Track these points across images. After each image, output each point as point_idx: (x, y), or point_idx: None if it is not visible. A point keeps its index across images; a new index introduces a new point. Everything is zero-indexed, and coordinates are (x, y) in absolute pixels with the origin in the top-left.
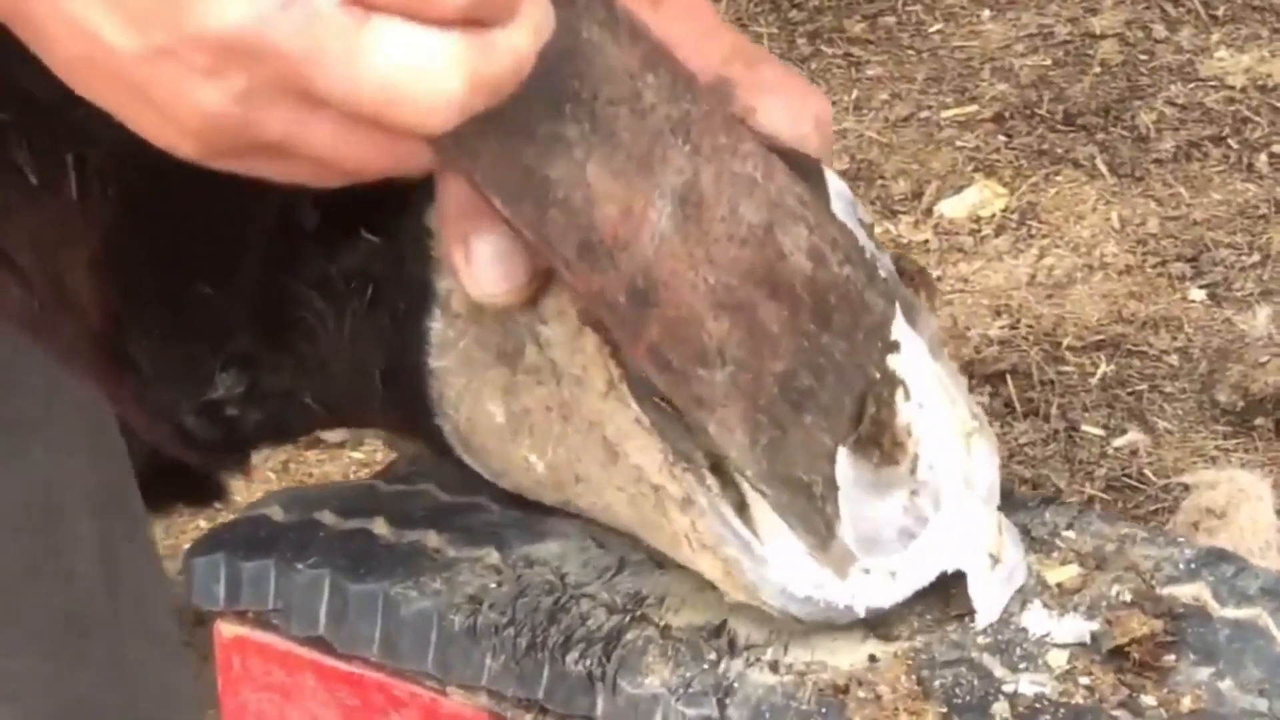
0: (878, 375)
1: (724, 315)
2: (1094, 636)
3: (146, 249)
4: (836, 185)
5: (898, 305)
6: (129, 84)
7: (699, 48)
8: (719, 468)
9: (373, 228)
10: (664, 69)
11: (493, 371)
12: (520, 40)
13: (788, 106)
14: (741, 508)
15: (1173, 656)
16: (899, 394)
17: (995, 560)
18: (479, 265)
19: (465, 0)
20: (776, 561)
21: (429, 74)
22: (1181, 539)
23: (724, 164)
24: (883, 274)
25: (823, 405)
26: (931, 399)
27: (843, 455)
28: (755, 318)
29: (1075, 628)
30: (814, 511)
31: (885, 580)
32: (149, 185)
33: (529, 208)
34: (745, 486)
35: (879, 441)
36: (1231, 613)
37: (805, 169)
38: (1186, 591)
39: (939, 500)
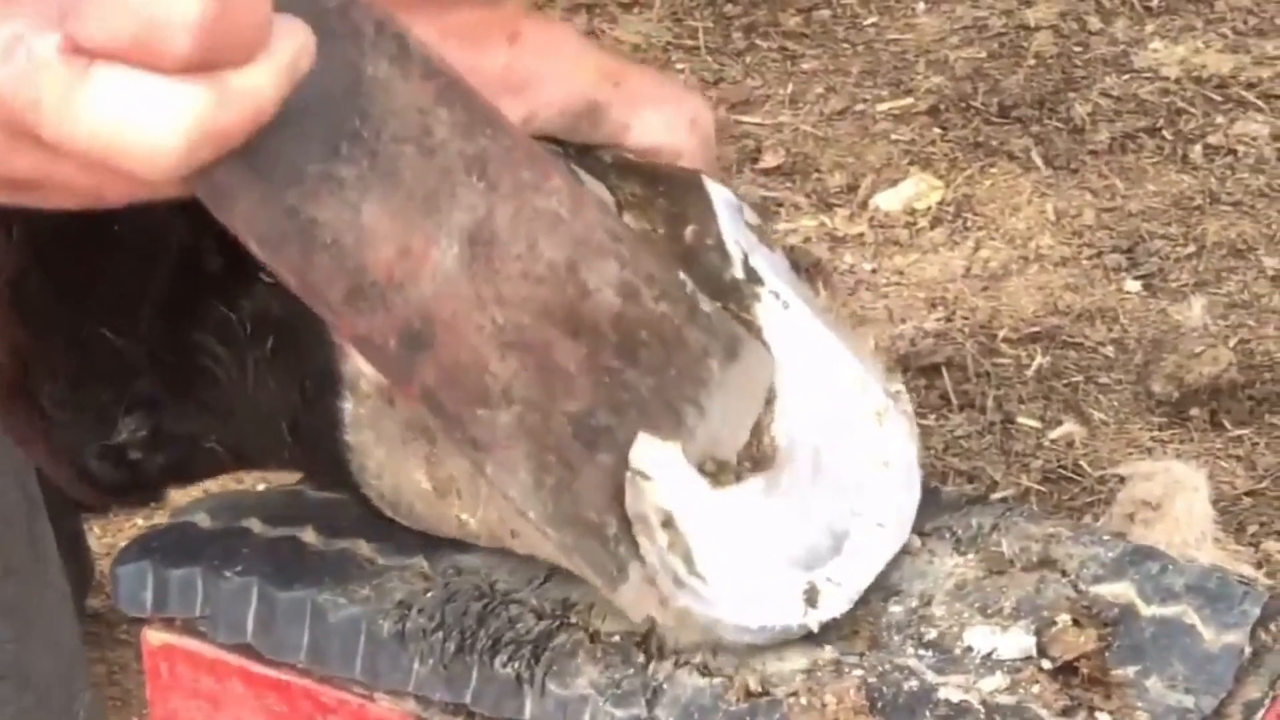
0: (691, 413)
1: (512, 355)
2: (1039, 650)
3: (51, 293)
4: (720, 193)
5: (796, 302)
6: None
7: (565, 77)
8: (669, 522)
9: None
10: (460, 105)
11: (412, 445)
12: (260, 81)
13: (660, 115)
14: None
15: (1122, 671)
16: (774, 406)
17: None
18: None
19: (188, 47)
20: (726, 601)
21: (143, 124)
22: (1108, 537)
23: (524, 200)
24: (705, 309)
25: (621, 443)
26: (831, 387)
27: (752, 485)
28: (548, 356)
29: (1020, 641)
30: (605, 553)
31: (831, 590)
32: (53, 229)
33: (293, 253)
34: (685, 530)
35: (757, 451)
36: (1157, 610)
37: (685, 183)
38: (1113, 590)
39: (857, 493)
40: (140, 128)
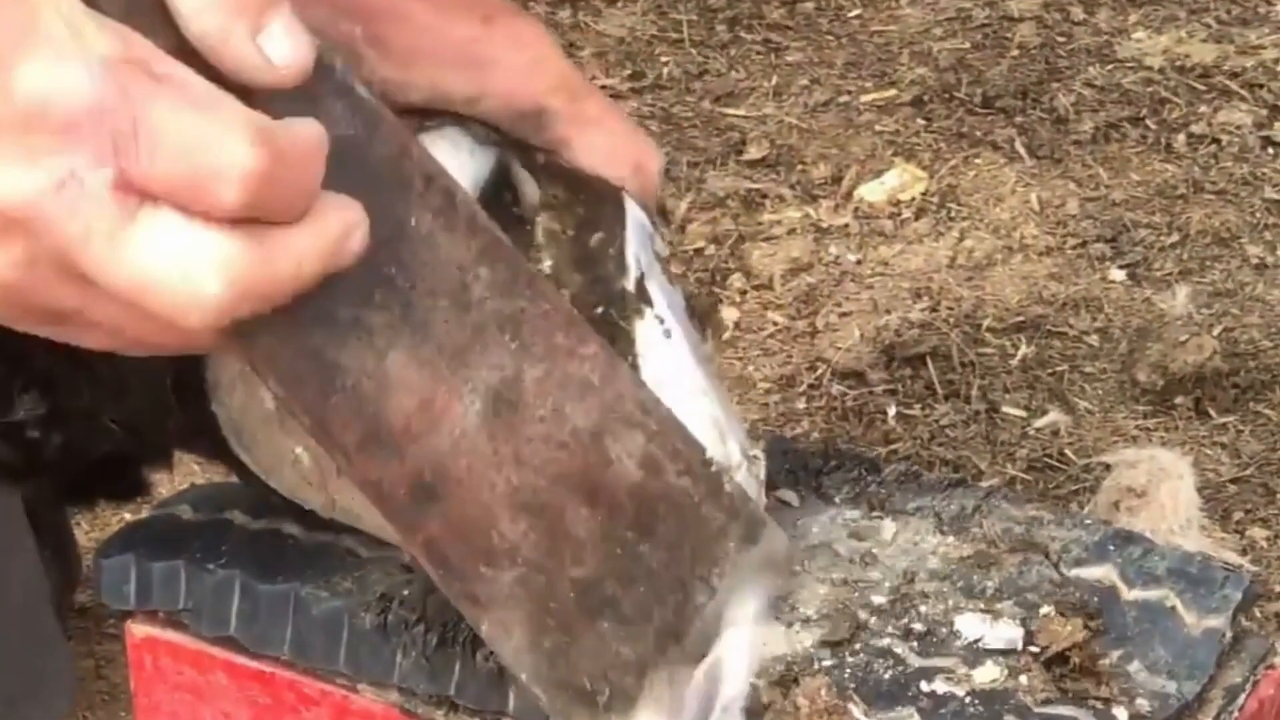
0: (701, 591)
1: (523, 517)
2: (1027, 640)
3: None
4: (636, 214)
5: (680, 339)
6: None
7: (524, 76)
8: None
9: None
10: (502, 264)
11: None
12: (304, 244)
13: (603, 145)
14: None
15: (1108, 660)
16: None
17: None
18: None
19: (238, 200)
20: None
21: (186, 273)
22: (1089, 520)
23: (556, 364)
24: (729, 489)
25: (625, 615)
26: (691, 426)
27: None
28: (560, 522)
29: (1008, 633)
30: (591, 718)
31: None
32: None
33: (310, 394)
34: None
35: None
36: (1139, 594)
37: (604, 195)
38: (1095, 573)
39: None
40: (182, 275)
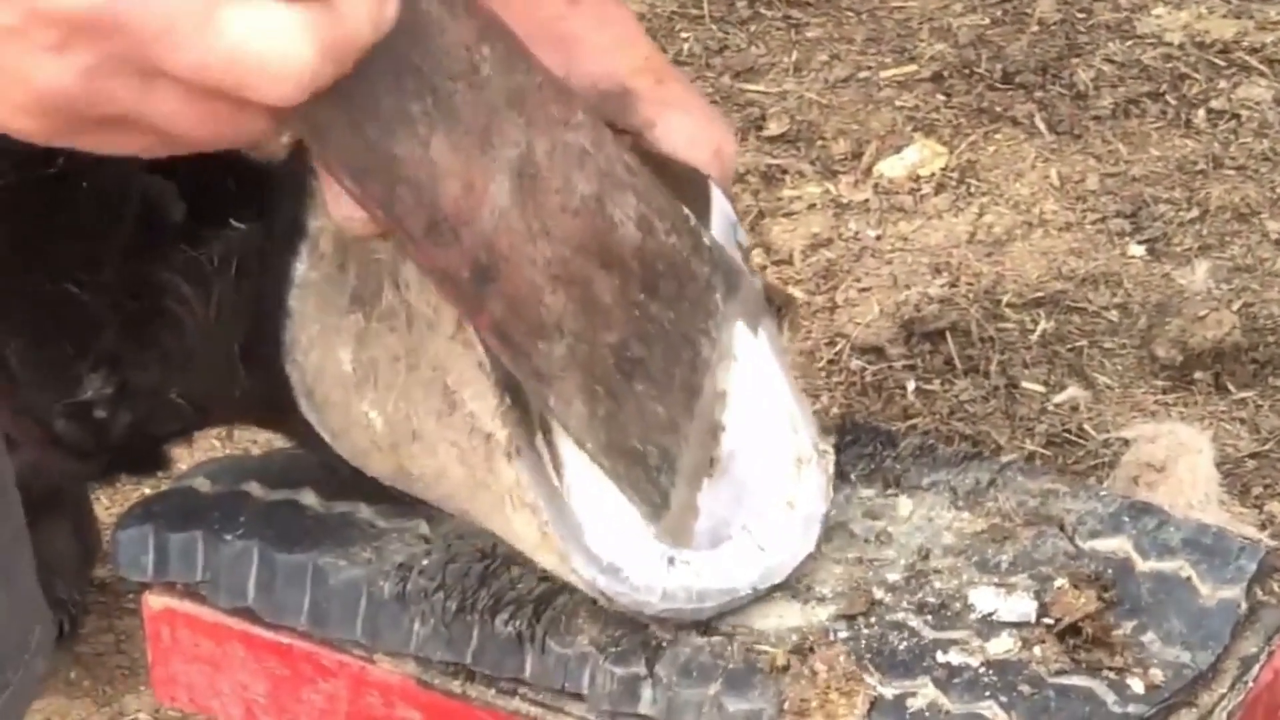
0: (704, 344)
1: (560, 288)
2: (1040, 612)
3: (11, 248)
4: (722, 204)
5: (762, 332)
6: None
7: (610, 54)
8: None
9: (241, 217)
10: (500, 41)
11: (349, 318)
12: (360, 6)
13: (686, 128)
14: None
15: (1122, 631)
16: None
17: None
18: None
19: None
20: (590, 530)
21: (279, 44)
22: (1104, 492)
23: (557, 135)
24: (707, 243)
25: (653, 374)
26: (767, 418)
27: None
28: (589, 289)
29: (1021, 606)
30: (649, 481)
31: (685, 573)
32: (12, 185)
33: (377, 186)
34: (568, 460)
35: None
36: (1154, 565)
37: (691, 181)
38: (1110, 545)
39: (753, 516)
40: (276, 46)
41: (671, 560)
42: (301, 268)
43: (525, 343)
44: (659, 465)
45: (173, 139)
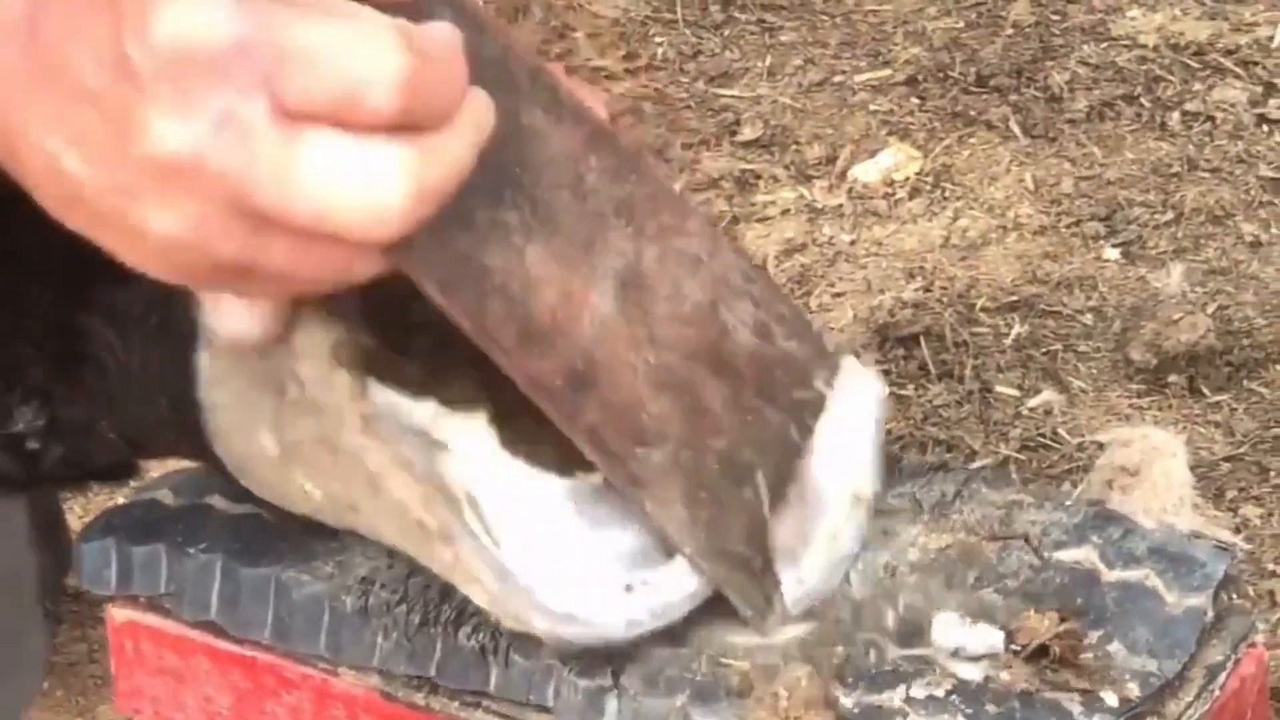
0: (806, 440)
1: (665, 394)
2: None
3: None
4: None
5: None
6: (97, 213)
7: None
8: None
9: None
10: (607, 150)
11: (262, 405)
12: (461, 143)
13: None
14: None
15: (1091, 646)
16: None
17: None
18: (227, 306)
19: (395, 105)
20: (540, 588)
21: (368, 185)
22: (1069, 502)
23: (668, 243)
24: (829, 347)
25: (760, 481)
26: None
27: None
28: (697, 396)
29: (988, 638)
30: (753, 586)
31: (651, 596)
32: None
33: (468, 296)
34: (504, 526)
35: None
36: (1119, 574)
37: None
38: (1075, 555)
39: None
40: (364, 187)
41: (629, 587)
42: (204, 362)
43: (622, 450)
44: (763, 569)
45: (293, 283)
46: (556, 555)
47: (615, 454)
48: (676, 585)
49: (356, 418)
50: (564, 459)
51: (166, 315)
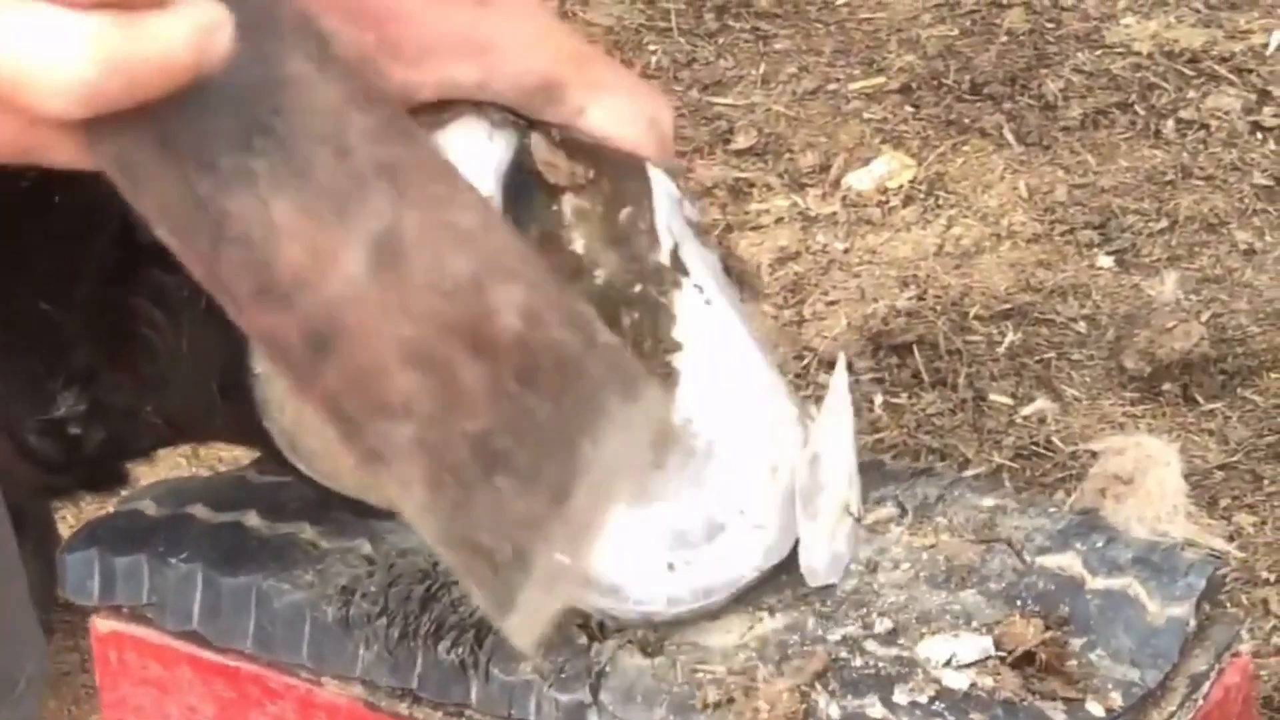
0: (585, 446)
1: (414, 369)
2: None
3: None
4: (663, 182)
5: (726, 303)
6: None
7: (529, 48)
8: None
9: None
10: (376, 111)
11: None
12: (172, 29)
13: (620, 106)
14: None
15: (1074, 653)
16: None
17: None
18: None
19: None
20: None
21: (53, 51)
22: (1053, 509)
23: (434, 213)
24: (606, 340)
25: (518, 469)
26: (737, 388)
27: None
28: (451, 374)
29: (980, 643)
30: (495, 579)
31: (689, 574)
32: None
33: (202, 241)
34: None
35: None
36: (1103, 582)
37: (628, 168)
38: (1059, 562)
39: (743, 493)
40: (49, 54)
41: (672, 566)
42: None
43: (363, 420)
44: (508, 562)
45: None
46: (610, 524)
47: (354, 423)
48: (720, 567)
49: None
50: None
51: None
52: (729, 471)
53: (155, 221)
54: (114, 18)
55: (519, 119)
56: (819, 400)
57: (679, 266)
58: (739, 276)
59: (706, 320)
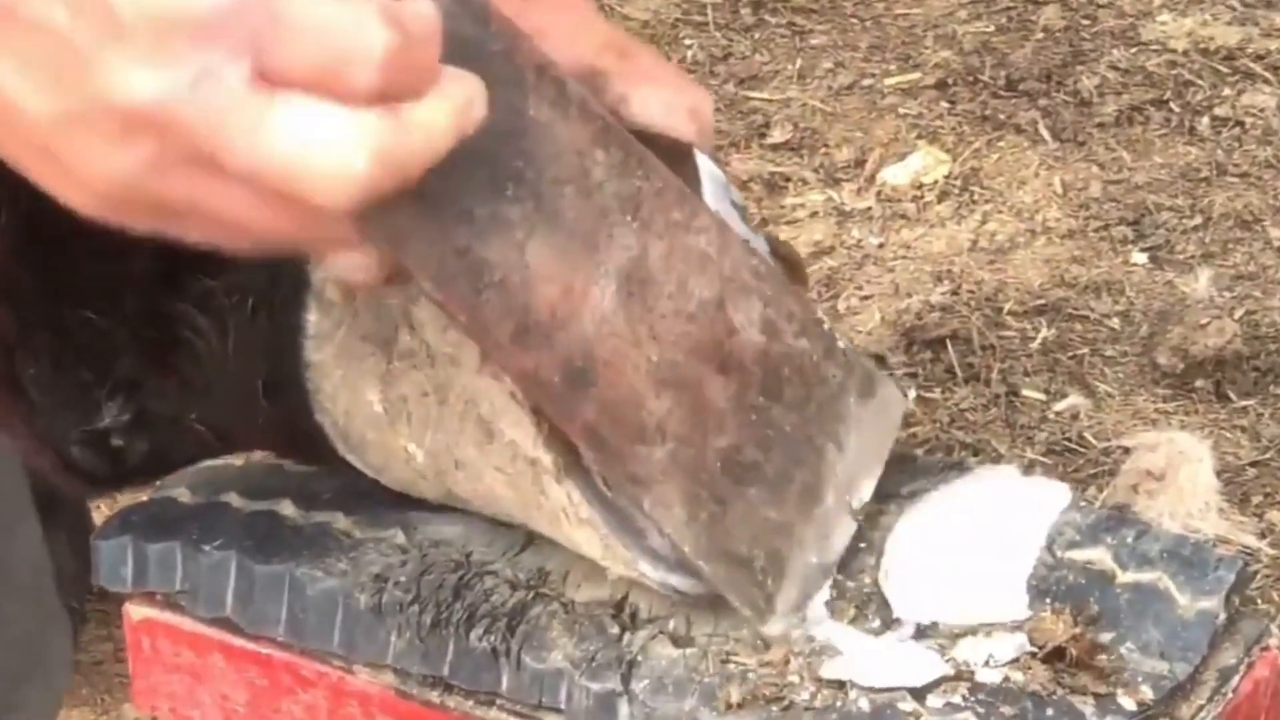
0: (831, 449)
1: (667, 392)
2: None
3: (36, 276)
4: (708, 168)
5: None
6: (40, 146)
7: (571, 39)
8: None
9: None
10: (615, 146)
11: (369, 360)
12: (435, 116)
13: (661, 96)
14: None
15: (1105, 649)
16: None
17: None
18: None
19: (375, 79)
20: (652, 535)
21: (332, 150)
22: (1084, 502)
23: (675, 240)
24: (842, 346)
25: (768, 479)
26: None
27: None
28: (700, 393)
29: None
30: (753, 586)
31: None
32: (36, 212)
33: (463, 289)
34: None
35: None
36: (1133, 576)
37: (675, 154)
38: (1088, 556)
39: None
40: (327, 152)
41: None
42: (312, 319)
43: (622, 447)
44: (765, 568)
45: (249, 234)
46: None
47: (613, 452)
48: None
49: (473, 356)
50: None
51: (262, 294)
52: None
53: (418, 274)
54: (384, 114)
55: None
56: None
57: None
58: (786, 260)
59: None
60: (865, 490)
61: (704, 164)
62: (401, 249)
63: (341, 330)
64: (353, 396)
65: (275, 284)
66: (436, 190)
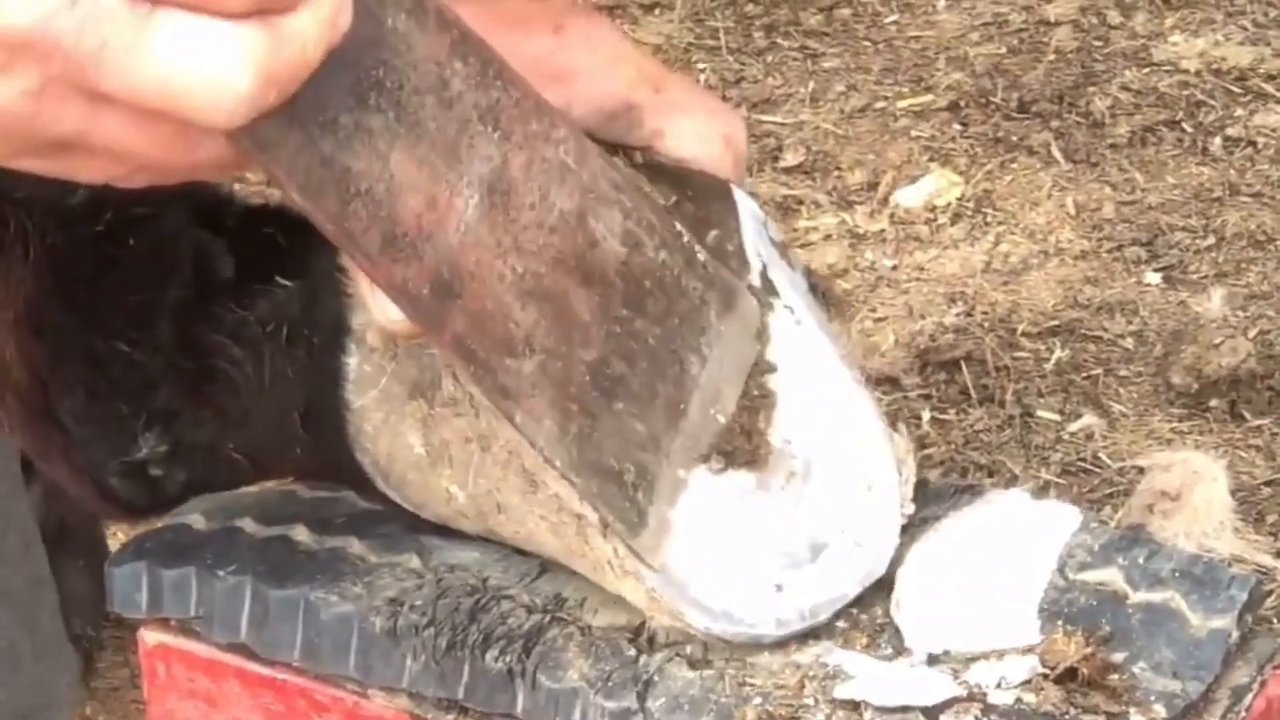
0: (693, 362)
1: (532, 304)
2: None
3: (67, 308)
4: (748, 204)
5: (814, 322)
6: None
7: (605, 74)
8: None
9: (287, 273)
10: (474, 56)
11: (410, 405)
12: (308, 27)
13: (695, 127)
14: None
15: (1118, 669)
16: (775, 410)
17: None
18: (385, 299)
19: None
20: (696, 583)
21: (214, 69)
22: (1095, 524)
23: (535, 150)
24: (701, 258)
25: (634, 392)
26: (829, 405)
27: (709, 472)
28: (565, 305)
29: (1026, 663)
30: (624, 499)
31: (797, 597)
32: (68, 245)
33: (330, 200)
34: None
35: (751, 450)
36: (1144, 596)
37: (713, 190)
38: (1100, 577)
39: (843, 511)
40: (211, 70)
41: (780, 587)
42: (352, 362)
43: (490, 359)
44: (636, 483)
45: (130, 163)
46: (712, 552)
47: (483, 363)
48: (825, 586)
49: None
50: (711, 456)
51: (297, 325)
52: (828, 491)
53: (287, 185)
54: (262, 29)
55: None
56: None
57: (769, 288)
58: (825, 294)
59: (798, 341)
60: (728, 402)
61: (743, 201)
62: (270, 157)
63: (382, 375)
64: (393, 439)
65: (309, 314)
66: (301, 101)
